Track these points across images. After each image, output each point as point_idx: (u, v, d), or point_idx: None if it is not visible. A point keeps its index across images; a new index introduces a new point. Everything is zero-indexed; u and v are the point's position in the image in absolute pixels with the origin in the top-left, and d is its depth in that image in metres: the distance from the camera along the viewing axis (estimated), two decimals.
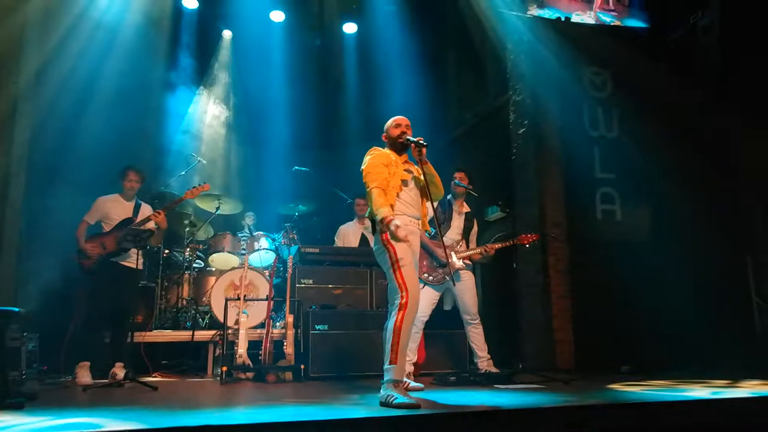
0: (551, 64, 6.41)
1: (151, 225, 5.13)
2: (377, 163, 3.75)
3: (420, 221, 3.88)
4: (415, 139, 3.75)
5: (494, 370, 4.91)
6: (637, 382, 4.51)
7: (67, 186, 5.80)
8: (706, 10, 6.37)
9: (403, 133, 3.84)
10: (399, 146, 3.87)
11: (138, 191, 5.33)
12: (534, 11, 6.52)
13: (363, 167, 3.78)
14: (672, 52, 6.56)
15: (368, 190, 3.69)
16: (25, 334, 5.00)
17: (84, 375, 4.77)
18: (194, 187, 5.38)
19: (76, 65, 6.48)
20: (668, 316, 5.72)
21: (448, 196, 5.14)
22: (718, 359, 5.39)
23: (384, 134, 3.98)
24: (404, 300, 3.51)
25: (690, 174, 6.28)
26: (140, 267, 5.23)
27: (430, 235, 4.71)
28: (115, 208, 5.19)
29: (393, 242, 3.59)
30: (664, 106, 6.45)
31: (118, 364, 4.91)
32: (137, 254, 5.08)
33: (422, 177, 3.85)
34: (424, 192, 3.89)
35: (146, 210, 5.34)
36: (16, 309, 3.92)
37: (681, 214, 6.21)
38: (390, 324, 3.54)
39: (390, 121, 3.97)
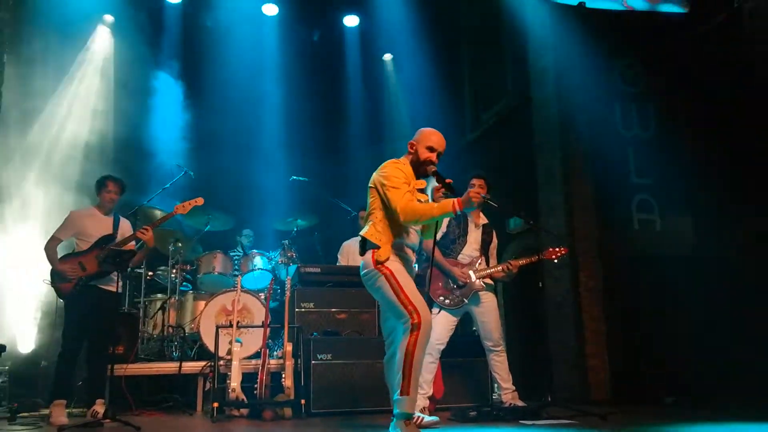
0: (578, 57, 6.39)
1: (132, 245, 5.11)
2: (401, 178, 3.63)
3: (415, 251, 3.85)
4: (446, 181, 3.64)
5: (520, 403, 4.84)
6: (684, 417, 4.44)
7: (41, 201, 5.85)
8: None
9: (432, 162, 3.73)
10: (421, 172, 3.76)
11: (117, 204, 5.27)
12: None
13: (382, 175, 3.66)
14: (714, 40, 6.51)
15: (403, 210, 3.52)
16: None
17: (59, 414, 4.74)
18: (185, 201, 5.28)
19: (51, 69, 6.57)
20: (716, 340, 5.64)
21: None
22: None
23: (412, 142, 3.82)
24: (416, 320, 3.41)
25: (738, 177, 6.21)
26: (120, 290, 5.18)
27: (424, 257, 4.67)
28: (91, 224, 5.11)
29: (388, 264, 3.55)
30: (706, 101, 6.39)
31: (99, 401, 4.88)
32: (117, 276, 5.05)
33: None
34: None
35: (125, 225, 5.30)
36: None
37: (729, 223, 6.13)
38: (399, 352, 3.44)
39: (425, 135, 3.79)
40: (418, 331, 3.40)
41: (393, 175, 3.63)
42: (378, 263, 3.54)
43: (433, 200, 3.74)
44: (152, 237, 5.09)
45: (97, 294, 5.01)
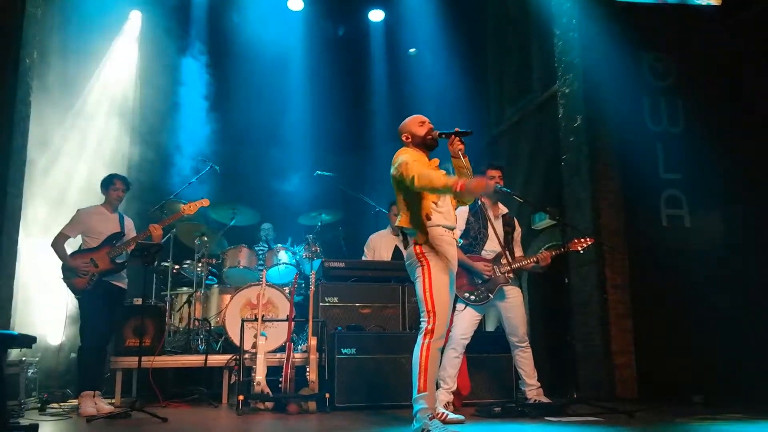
0: (606, 51, 6.32)
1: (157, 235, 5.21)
2: (413, 159, 3.65)
3: (454, 232, 3.85)
4: (453, 130, 3.70)
5: (545, 399, 4.80)
6: (713, 416, 4.38)
7: (69, 196, 5.94)
8: None
9: (432, 129, 3.81)
10: (429, 145, 3.81)
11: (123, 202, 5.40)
12: None
13: (396, 165, 3.69)
14: (747, 33, 6.40)
15: (414, 176, 3.49)
16: (24, 359, 5.16)
17: (87, 405, 4.84)
18: (191, 202, 5.44)
19: (76, 64, 6.67)
20: (747, 337, 5.56)
21: (480, 200, 5.03)
22: None
23: (405, 135, 3.88)
24: (431, 326, 3.53)
25: None
26: (126, 287, 5.36)
27: (460, 244, 4.63)
28: (100, 222, 5.24)
29: (429, 258, 3.60)
30: (737, 95, 6.31)
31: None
32: (126, 273, 5.27)
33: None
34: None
35: (130, 223, 5.43)
36: (14, 333, 3.98)
37: (760, 219, 6.04)
38: (416, 351, 3.55)
39: (410, 120, 3.89)
40: (432, 336, 3.52)
41: (404, 159, 3.67)
42: (417, 244, 3.61)
43: (452, 158, 3.76)
44: (161, 234, 5.23)
45: (109, 289, 5.14)
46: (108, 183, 5.32)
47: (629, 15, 6.41)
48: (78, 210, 5.28)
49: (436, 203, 3.69)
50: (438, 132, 3.79)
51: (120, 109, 7.16)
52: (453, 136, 3.72)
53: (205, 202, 5.56)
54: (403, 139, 3.90)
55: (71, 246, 5.18)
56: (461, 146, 3.73)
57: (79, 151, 6.54)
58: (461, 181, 3.31)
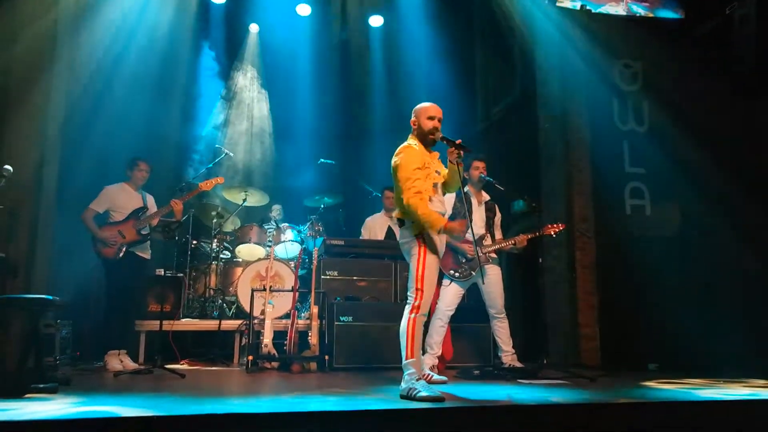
0: (580, 57, 6.31)
1: (179, 216, 5.23)
2: (413, 166, 3.59)
3: (446, 216, 3.85)
4: (455, 141, 3.64)
5: (518, 364, 4.87)
6: (664, 381, 4.45)
7: (98, 175, 5.92)
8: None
9: (436, 129, 3.69)
10: (429, 141, 3.73)
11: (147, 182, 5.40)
12: (564, 3, 6.41)
13: (396, 163, 3.65)
14: (706, 44, 6.40)
15: (406, 197, 3.53)
16: (58, 321, 5.19)
17: (114, 362, 4.88)
18: (207, 180, 5.47)
19: (106, 59, 6.61)
20: (698, 314, 5.61)
21: (465, 188, 5.01)
22: (750, 360, 5.26)
23: (413, 119, 3.77)
24: (417, 302, 3.54)
25: (723, 169, 6.13)
26: (149, 258, 5.38)
27: None
28: (124, 198, 5.26)
29: (426, 243, 3.57)
30: (696, 100, 6.30)
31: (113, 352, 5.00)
32: (149, 246, 5.29)
33: (447, 173, 3.84)
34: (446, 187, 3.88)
35: (151, 199, 5.44)
36: (50, 297, 4.01)
37: (712, 210, 6.07)
38: (402, 323, 3.56)
39: (423, 109, 3.74)
40: (417, 311, 3.53)
41: (404, 164, 3.61)
42: (416, 232, 3.58)
43: (449, 162, 3.73)
44: (181, 209, 5.25)
45: (134, 259, 5.18)
46: (132, 164, 5.33)
47: (603, 25, 6.36)
48: (105, 188, 5.25)
49: (431, 198, 3.63)
50: (441, 136, 3.69)
51: (145, 101, 7.11)
52: (453, 147, 3.66)
53: (221, 180, 5.63)
54: (411, 122, 3.80)
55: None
56: (456, 158, 3.69)
57: (108, 136, 6.50)
58: (444, 226, 3.52)
